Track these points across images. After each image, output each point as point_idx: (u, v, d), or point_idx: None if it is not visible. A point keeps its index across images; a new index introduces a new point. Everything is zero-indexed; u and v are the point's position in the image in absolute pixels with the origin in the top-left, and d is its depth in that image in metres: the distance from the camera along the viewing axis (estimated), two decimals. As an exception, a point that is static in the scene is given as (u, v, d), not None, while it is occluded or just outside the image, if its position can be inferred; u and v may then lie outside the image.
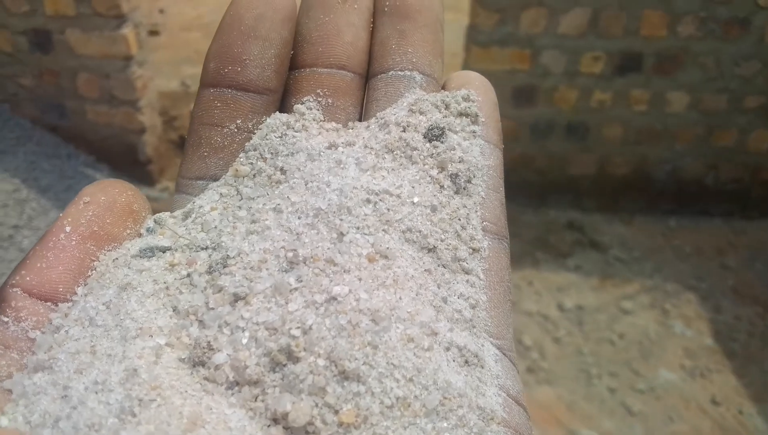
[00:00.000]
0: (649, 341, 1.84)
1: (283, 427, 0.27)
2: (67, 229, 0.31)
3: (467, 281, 0.33)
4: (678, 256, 2.15)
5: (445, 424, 0.27)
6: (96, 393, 0.26)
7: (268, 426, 0.27)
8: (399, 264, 0.31)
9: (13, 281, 0.30)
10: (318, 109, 0.37)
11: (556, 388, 1.70)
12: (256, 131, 0.36)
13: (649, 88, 2.09)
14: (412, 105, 0.36)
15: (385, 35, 0.37)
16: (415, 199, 0.33)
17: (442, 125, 0.36)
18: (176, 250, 0.34)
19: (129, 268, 0.32)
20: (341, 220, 0.32)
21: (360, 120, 0.38)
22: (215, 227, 0.34)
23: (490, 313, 0.33)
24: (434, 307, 0.31)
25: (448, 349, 0.30)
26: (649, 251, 2.15)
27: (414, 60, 0.37)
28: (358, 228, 0.32)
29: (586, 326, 1.87)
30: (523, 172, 2.25)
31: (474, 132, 0.36)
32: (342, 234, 0.32)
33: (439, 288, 0.32)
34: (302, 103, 0.37)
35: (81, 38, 2.05)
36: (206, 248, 0.33)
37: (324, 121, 0.37)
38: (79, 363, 0.28)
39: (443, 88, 0.38)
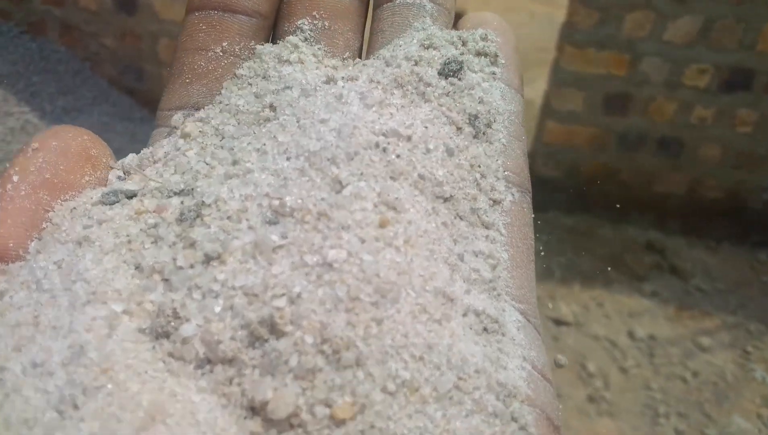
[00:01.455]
0: (725, 383, 1.70)
1: (262, 419, 0.22)
2: (15, 178, 0.28)
3: (487, 237, 0.29)
4: (766, 293, 1.98)
5: (458, 410, 0.23)
6: (34, 377, 0.22)
7: (244, 418, 0.23)
8: (410, 217, 0.27)
9: None
10: (314, 42, 0.34)
11: (618, 422, 1.58)
12: (243, 57, 0.34)
13: (757, 108, 1.91)
14: (424, 40, 0.33)
15: None
16: (430, 144, 0.29)
17: (460, 60, 0.32)
18: (145, 195, 0.29)
19: (88, 217, 0.28)
20: (339, 166, 0.28)
21: (360, 51, 0.35)
22: (191, 168, 0.30)
23: (512, 273, 0.29)
24: (449, 265, 0.27)
25: (464, 314, 0.26)
26: (734, 284, 1.99)
27: None
28: (361, 174, 0.28)
29: (657, 359, 1.74)
30: (604, 184, 2.12)
31: (494, 73, 0.33)
32: (341, 183, 0.27)
33: (455, 244, 0.28)
34: (297, 30, 0.34)
35: (166, 2, 2.03)
36: (179, 193, 0.29)
37: (322, 56, 0.34)
38: (19, 338, 0.23)
39: (455, 29, 0.35)
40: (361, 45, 0.36)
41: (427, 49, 0.33)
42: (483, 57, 0.33)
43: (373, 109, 0.30)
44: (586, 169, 2.09)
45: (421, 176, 0.29)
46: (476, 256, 0.29)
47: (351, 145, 0.28)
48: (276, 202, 0.26)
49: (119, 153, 0.33)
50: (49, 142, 0.29)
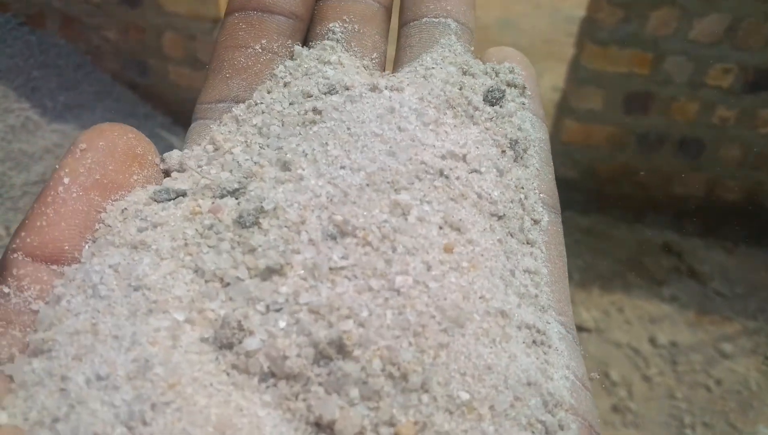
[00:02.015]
0: (749, 392, 1.67)
1: None
2: (66, 180, 0.28)
3: (531, 253, 0.31)
4: (785, 297, 1.95)
5: (511, 425, 0.24)
6: (99, 390, 0.22)
7: (309, 433, 0.23)
8: (472, 237, 0.28)
9: (14, 245, 0.26)
10: (345, 43, 0.36)
11: (643, 432, 1.55)
12: (281, 54, 0.35)
13: (781, 109, 1.87)
14: (463, 65, 0.35)
15: None
16: (482, 164, 0.31)
17: (503, 89, 0.34)
18: (196, 193, 0.29)
19: (142, 219, 0.28)
20: (401, 190, 0.28)
21: (385, 54, 0.38)
22: (239, 166, 0.30)
23: (552, 287, 0.31)
24: (504, 281, 0.28)
25: (518, 328, 0.27)
26: (753, 288, 1.95)
27: (448, 7, 0.37)
28: (423, 197, 0.28)
29: (680, 366, 1.71)
30: (621, 185, 2.07)
31: (524, 104, 0.35)
32: (402, 207, 0.27)
33: (507, 260, 0.29)
34: (329, 32, 0.36)
35: (171, -6, 1.95)
36: (233, 192, 0.29)
37: (355, 60, 0.35)
38: (79, 347, 0.23)
39: (481, 61, 0.37)
40: (386, 48, 0.38)
41: (465, 75, 0.35)
42: (513, 88, 0.35)
43: (430, 127, 0.31)
44: (603, 168, 2.04)
45: (479, 196, 0.30)
46: (524, 272, 0.30)
47: (411, 168, 0.29)
48: (338, 218, 0.26)
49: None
50: (96, 141, 0.29)
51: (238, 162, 0.31)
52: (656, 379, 1.66)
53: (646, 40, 1.81)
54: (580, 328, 1.76)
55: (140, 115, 2.07)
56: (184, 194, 0.29)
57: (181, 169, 0.31)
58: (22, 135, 1.76)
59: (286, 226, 0.27)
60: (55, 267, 0.27)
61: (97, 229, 0.28)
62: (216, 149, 0.32)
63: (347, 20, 0.37)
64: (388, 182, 0.28)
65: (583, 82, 1.90)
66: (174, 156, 0.32)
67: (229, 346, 0.24)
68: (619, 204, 2.10)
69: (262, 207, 0.27)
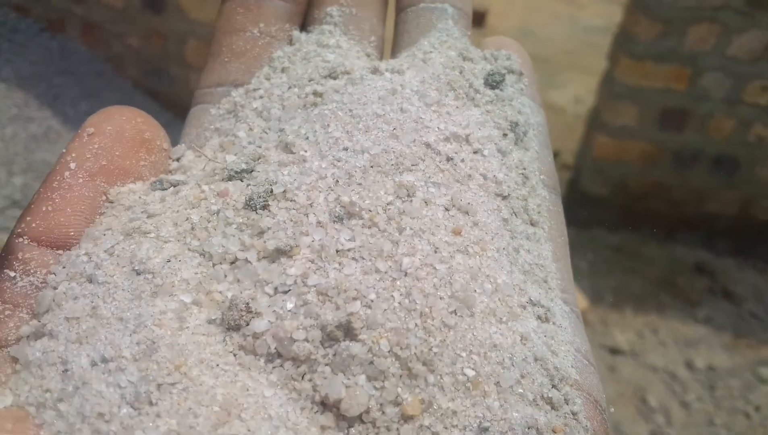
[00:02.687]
0: (789, 419, 1.62)
1: (334, 415, 0.23)
2: (72, 165, 0.28)
3: (534, 233, 0.31)
4: (818, 319, 1.90)
5: (516, 400, 0.24)
6: (103, 372, 0.22)
7: (315, 412, 0.23)
8: (479, 218, 0.28)
9: (19, 230, 0.26)
10: (343, 26, 0.36)
11: (683, 461, 1.50)
12: (279, 38, 0.35)
13: (821, 128, 1.83)
14: (462, 50, 0.35)
15: None
16: (485, 145, 0.31)
17: (503, 72, 0.35)
18: (201, 181, 0.29)
19: (142, 206, 0.27)
20: (405, 172, 0.28)
21: (383, 37, 0.38)
22: (243, 148, 0.31)
23: (555, 264, 0.31)
24: (510, 259, 0.28)
25: (524, 306, 0.27)
26: (787, 309, 1.91)
27: None
28: (428, 179, 0.28)
29: (718, 392, 1.66)
30: (653, 201, 2.03)
31: (522, 89, 0.35)
32: (408, 189, 0.28)
33: (512, 239, 0.29)
34: (327, 16, 0.36)
35: (195, 1, 1.90)
36: (240, 172, 0.29)
37: (354, 44, 0.35)
38: (79, 330, 0.23)
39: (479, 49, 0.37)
40: (384, 31, 0.38)
41: (465, 60, 0.35)
42: (511, 73, 0.35)
43: (433, 108, 0.31)
44: (635, 185, 2.00)
45: (484, 177, 0.30)
46: (528, 250, 0.30)
47: (416, 149, 0.29)
48: (345, 199, 0.27)
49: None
50: (103, 126, 0.29)
51: (242, 145, 0.31)
52: (695, 405, 1.62)
53: (684, 55, 1.77)
54: (615, 351, 1.72)
55: (161, 123, 2.03)
56: (178, 184, 0.29)
57: (195, 151, 0.31)
58: (44, 144, 1.71)
59: (294, 209, 0.27)
60: (60, 252, 0.27)
61: (103, 214, 0.28)
62: (221, 133, 0.32)
63: (345, 4, 0.37)
64: (392, 164, 0.28)
65: (617, 97, 1.86)
66: (179, 150, 0.32)
67: (237, 328, 0.24)
68: (650, 221, 2.05)
69: (271, 190, 0.27)
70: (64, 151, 0.28)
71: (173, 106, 2.10)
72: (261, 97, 0.33)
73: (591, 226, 2.10)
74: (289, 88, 0.33)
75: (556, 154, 2.43)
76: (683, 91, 1.82)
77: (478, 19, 3.49)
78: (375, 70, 0.33)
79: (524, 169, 0.32)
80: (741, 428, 1.58)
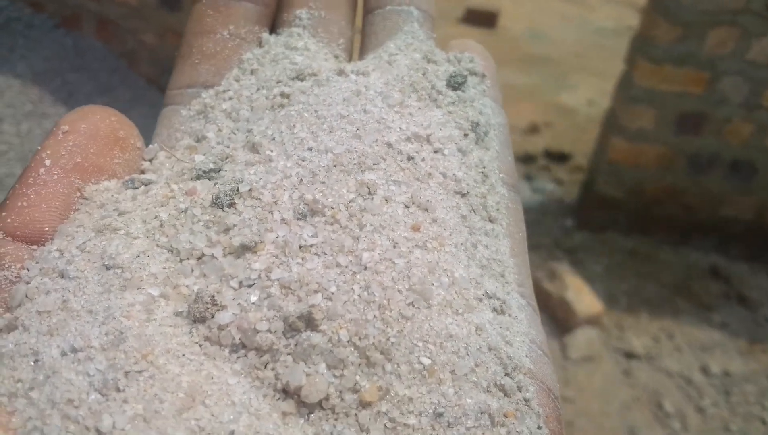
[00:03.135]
0: (805, 426, 1.61)
1: (295, 402, 0.24)
2: (47, 162, 0.28)
3: (493, 229, 0.32)
4: (834, 326, 1.89)
5: (470, 387, 0.25)
6: (73, 362, 0.23)
7: (277, 399, 0.24)
8: (438, 215, 0.29)
9: None
10: (312, 29, 0.36)
11: (699, 467, 1.49)
12: (248, 40, 0.36)
13: (839, 133, 1.82)
14: (427, 52, 0.36)
15: None
16: (446, 145, 0.32)
17: (464, 74, 0.35)
18: (170, 180, 0.30)
19: (113, 204, 0.28)
20: (366, 170, 0.29)
21: (352, 39, 0.39)
22: (212, 148, 0.31)
23: (513, 259, 0.32)
24: (467, 254, 0.29)
25: (480, 299, 0.28)
26: (802, 315, 1.90)
27: None
28: (389, 177, 0.29)
29: (734, 397, 1.65)
30: (668, 206, 2.02)
31: (484, 90, 0.36)
32: (369, 187, 0.29)
33: (470, 235, 0.30)
34: (295, 19, 0.37)
35: (212, -1, 1.90)
36: (208, 172, 0.30)
37: (322, 46, 0.36)
38: (50, 323, 0.24)
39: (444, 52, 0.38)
40: (353, 34, 0.39)
41: (429, 62, 0.36)
42: (474, 75, 0.36)
43: (395, 109, 0.32)
44: (650, 189, 1.99)
45: (444, 175, 0.31)
46: (486, 245, 0.31)
47: (378, 149, 0.30)
48: (309, 197, 0.28)
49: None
50: (78, 124, 0.29)
51: (211, 146, 0.31)
52: (710, 411, 1.61)
53: (703, 59, 1.76)
54: (630, 355, 1.71)
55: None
56: (150, 183, 0.30)
57: (165, 150, 0.32)
58: (58, 141, 1.71)
59: (260, 207, 0.28)
60: (35, 247, 0.27)
61: (77, 210, 0.28)
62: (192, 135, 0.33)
63: (313, 7, 0.37)
64: (354, 163, 0.29)
65: (634, 101, 1.85)
66: (152, 151, 0.32)
67: (202, 320, 0.25)
68: (665, 226, 2.04)
69: (237, 189, 0.28)
70: (39, 148, 0.29)
71: (187, 104, 2.10)
72: (230, 98, 0.34)
73: (605, 229, 2.09)
74: (258, 89, 0.34)
75: (568, 156, 2.42)
76: (700, 95, 1.81)
77: (490, 20, 3.48)
78: (341, 72, 0.34)
79: (484, 167, 0.33)
80: (757, 434, 1.57)
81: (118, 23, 2.00)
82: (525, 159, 2.43)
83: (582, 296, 1.74)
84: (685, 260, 2.02)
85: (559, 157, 2.45)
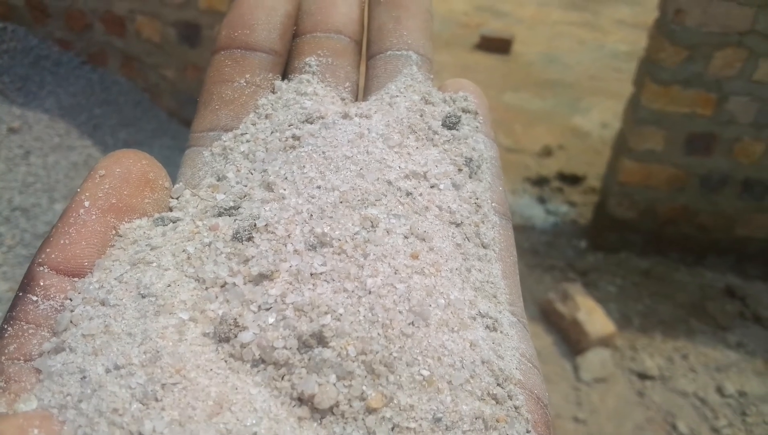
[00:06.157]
0: (824, 447, 1.59)
1: (309, 408, 0.27)
2: (86, 203, 0.31)
3: (485, 255, 0.35)
4: None
5: (465, 396, 0.28)
6: (116, 377, 0.26)
7: (293, 406, 0.27)
8: (435, 244, 0.32)
9: (39, 259, 0.30)
10: (321, 74, 0.40)
11: (715, 489, 1.48)
12: (263, 86, 0.39)
13: None
14: (426, 94, 0.39)
15: (382, 21, 0.42)
16: (441, 180, 0.35)
17: (458, 114, 0.39)
18: (195, 217, 0.33)
19: (146, 240, 0.31)
20: (369, 206, 0.33)
21: (357, 83, 0.42)
22: (232, 187, 0.35)
23: (504, 281, 0.35)
24: (461, 277, 0.32)
25: (474, 318, 0.31)
26: (820, 335, 1.88)
27: (409, 41, 0.41)
28: (390, 211, 0.33)
29: (750, 418, 1.64)
30: (682, 226, 2.02)
31: (477, 127, 0.39)
32: (373, 221, 0.32)
33: (464, 260, 0.33)
34: (305, 66, 0.40)
35: (229, 34, 1.98)
36: (228, 210, 0.33)
37: (330, 90, 0.40)
38: (93, 345, 0.27)
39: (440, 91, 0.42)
40: (358, 77, 0.42)
41: (426, 103, 0.39)
42: (467, 113, 0.40)
43: (395, 150, 0.36)
44: (663, 210, 2.00)
45: (439, 208, 0.34)
46: (480, 269, 0.34)
47: (379, 186, 0.34)
48: (319, 231, 0.31)
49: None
50: (113, 168, 0.32)
51: (230, 185, 0.35)
52: (725, 432, 1.60)
53: (710, 80, 1.78)
54: (644, 376, 1.71)
55: (195, 151, 2.10)
56: (177, 220, 0.33)
57: (192, 193, 0.35)
58: (84, 172, 1.78)
59: (275, 240, 0.31)
60: (76, 280, 0.30)
61: (112, 246, 0.31)
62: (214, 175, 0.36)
63: (322, 54, 0.41)
64: (359, 199, 0.33)
65: (643, 122, 1.87)
66: (178, 190, 0.35)
67: (227, 340, 0.28)
68: (679, 246, 2.05)
69: (255, 224, 0.31)
70: (78, 190, 0.32)
71: (207, 134, 2.17)
72: (248, 141, 0.37)
73: (619, 250, 2.10)
74: (272, 132, 0.37)
75: (581, 178, 2.43)
76: (709, 116, 1.83)
77: (504, 47, 3.53)
78: (345, 115, 0.38)
79: (477, 198, 0.37)
80: (775, 456, 1.56)
81: (142, 59, 2.08)
82: (539, 181, 2.45)
83: (594, 317, 1.75)
84: (699, 280, 2.01)
85: (572, 180, 2.47)
